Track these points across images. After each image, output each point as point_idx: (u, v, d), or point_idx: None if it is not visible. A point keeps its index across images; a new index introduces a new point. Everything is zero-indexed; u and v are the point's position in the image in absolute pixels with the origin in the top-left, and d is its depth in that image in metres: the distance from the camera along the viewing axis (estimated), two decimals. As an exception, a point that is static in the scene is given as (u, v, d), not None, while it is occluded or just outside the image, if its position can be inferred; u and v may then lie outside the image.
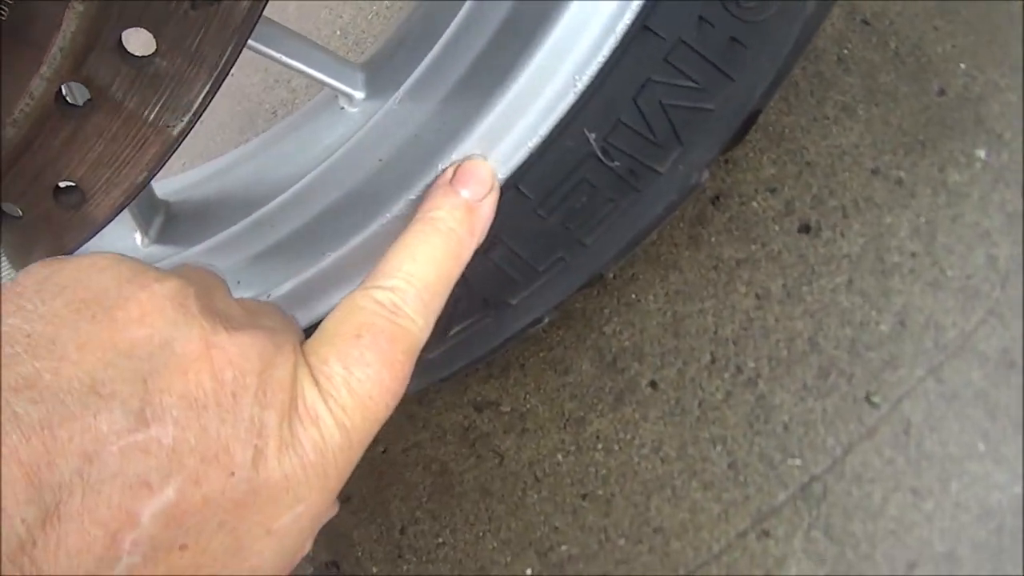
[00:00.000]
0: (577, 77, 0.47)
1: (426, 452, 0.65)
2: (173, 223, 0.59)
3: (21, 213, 0.43)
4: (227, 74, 0.39)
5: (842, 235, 0.63)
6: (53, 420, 0.27)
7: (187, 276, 0.35)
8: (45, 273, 0.32)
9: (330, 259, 0.52)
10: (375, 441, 0.67)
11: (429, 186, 0.46)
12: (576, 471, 0.61)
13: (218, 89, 0.39)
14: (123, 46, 0.37)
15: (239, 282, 0.55)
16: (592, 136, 0.49)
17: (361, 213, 0.52)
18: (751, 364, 0.61)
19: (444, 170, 0.46)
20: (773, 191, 0.64)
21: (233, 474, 0.29)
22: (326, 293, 0.53)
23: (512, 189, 0.50)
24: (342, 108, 0.55)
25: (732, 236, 0.63)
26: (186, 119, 0.39)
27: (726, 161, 0.64)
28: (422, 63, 0.51)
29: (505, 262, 0.52)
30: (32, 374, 0.28)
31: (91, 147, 0.40)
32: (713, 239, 0.63)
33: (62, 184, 0.42)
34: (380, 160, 0.50)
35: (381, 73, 0.54)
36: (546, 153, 0.49)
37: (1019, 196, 0.66)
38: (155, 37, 0.37)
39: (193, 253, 0.56)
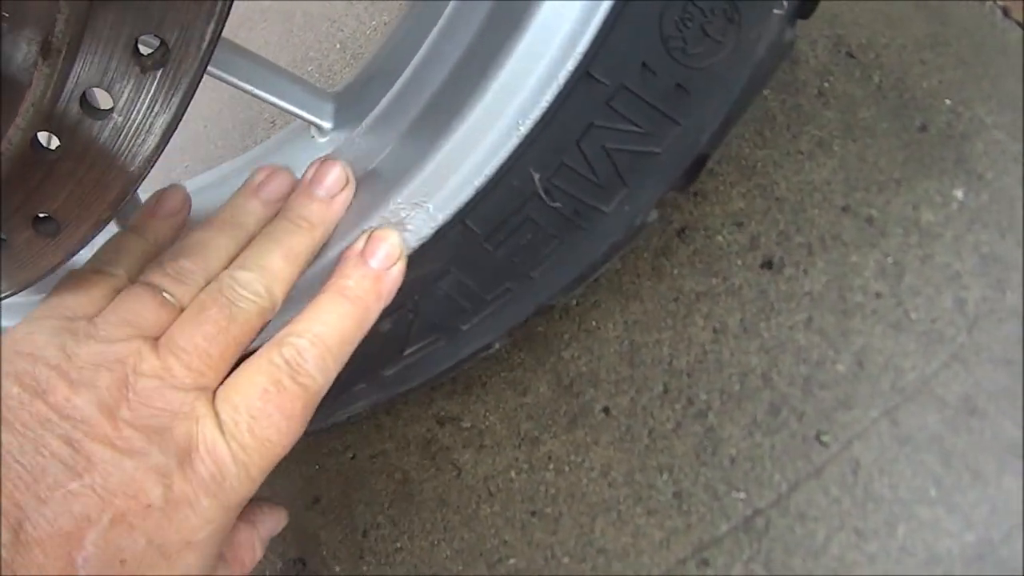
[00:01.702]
0: (521, 121, 0.51)
1: (391, 461, 0.70)
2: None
3: (5, 238, 0.50)
4: (179, 121, 0.44)
5: (805, 272, 0.65)
6: (11, 475, 0.38)
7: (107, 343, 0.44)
8: None
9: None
10: (344, 447, 0.73)
11: (344, 251, 0.52)
12: (528, 489, 0.65)
13: (171, 135, 0.44)
14: (87, 101, 0.43)
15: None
16: (536, 176, 0.53)
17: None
18: (703, 396, 0.64)
19: (356, 238, 0.52)
20: (740, 225, 0.67)
21: (149, 505, 0.40)
22: (284, 315, 0.59)
23: (460, 223, 0.54)
24: (312, 137, 0.60)
25: (695, 269, 0.66)
26: (143, 165, 0.45)
27: (695, 194, 0.67)
28: (383, 98, 0.56)
29: (454, 291, 0.57)
30: None
31: (63, 186, 0.46)
32: (676, 271, 0.66)
33: (40, 215, 0.48)
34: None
35: (349, 105, 0.59)
36: (492, 191, 0.53)
37: (997, 238, 0.67)
38: (112, 96, 0.42)
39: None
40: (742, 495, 0.63)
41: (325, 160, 0.53)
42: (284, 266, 0.50)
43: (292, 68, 0.94)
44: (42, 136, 0.45)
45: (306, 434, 0.59)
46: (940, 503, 0.63)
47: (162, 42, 0.40)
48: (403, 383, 0.61)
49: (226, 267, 0.50)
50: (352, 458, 0.72)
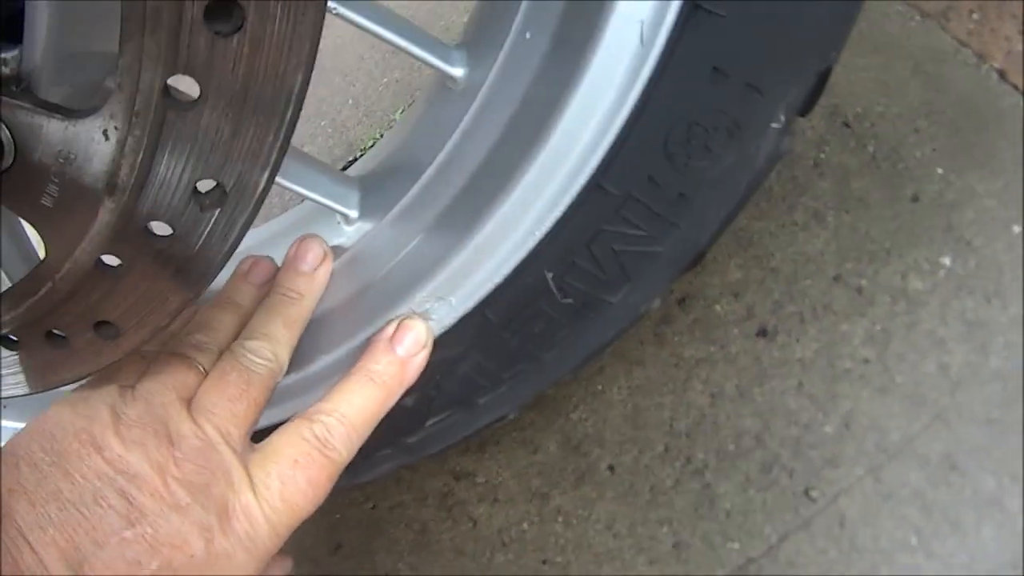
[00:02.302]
0: (538, 226, 0.57)
1: (409, 512, 0.77)
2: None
3: (65, 336, 0.56)
4: (234, 251, 0.50)
5: (797, 340, 0.72)
6: (72, 521, 0.45)
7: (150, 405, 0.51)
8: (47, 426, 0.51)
9: (320, 363, 0.64)
10: (365, 498, 0.80)
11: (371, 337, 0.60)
12: (539, 539, 0.73)
13: (227, 261, 0.51)
14: (149, 231, 0.49)
15: (247, 370, 0.67)
16: (550, 275, 0.59)
17: (349, 325, 0.63)
18: (700, 456, 0.71)
19: (386, 325, 0.59)
20: (736, 295, 0.73)
21: (193, 556, 0.46)
22: (317, 388, 0.65)
23: (479, 314, 0.61)
24: (339, 223, 0.66)
25: (694, 337, 0.73)
26: (200, 284, 0.51)
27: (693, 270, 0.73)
28: (408, 193, 0.62)
29: (473, 371, 0.63)
30: (56, 490, 0.46)
31: (124, 299, 0.52)
32: (676, 338, 0.73)
33: (102, 320, 0.54)
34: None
35: (373, 195, 0.65)
36: (509, 287, 0.59)
37: (982, 304, 0.73)
38: (171, 227, 0.48)
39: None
40: (736, 546, 0.70)
41: (304, 238, 0.62)
42: (285, 332, 0.58)
43: (305, 122, 0.99)
44: (106, 256, 0.51)
45: (332, 491, 0.66)
46: (920, 551, 0.70)
47: (219, 185, 0.46)
48: (424, 449, 0.67)
49: (234, 336, 0.57)
50: (372, 508, 0.79)
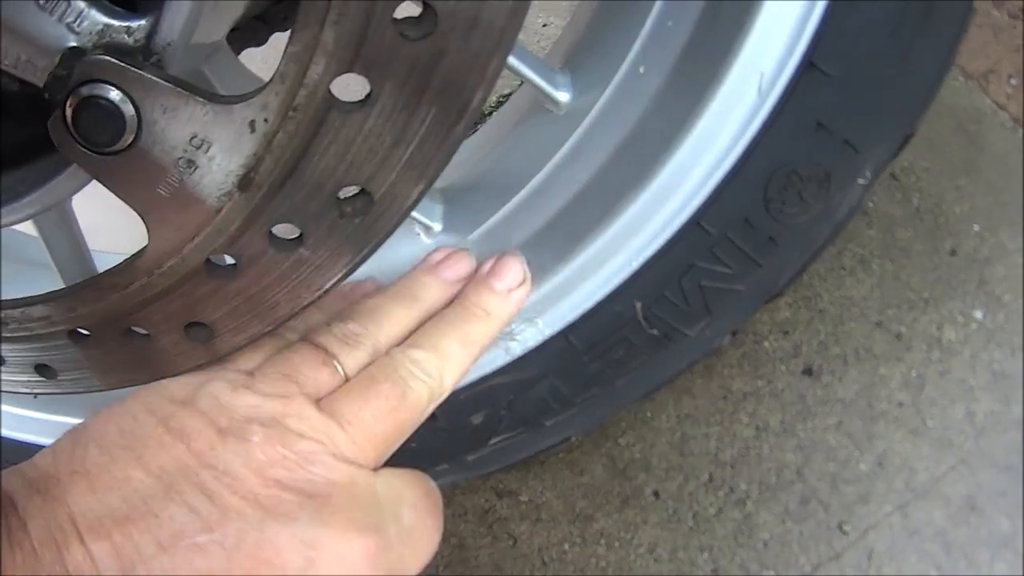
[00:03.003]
0: (634, 259, 0.58)
1: (447, 527, 0.76)
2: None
3: (148, 334, 0.53)
4: (363, 263, 0.49)
5: (840, 380, 0.75)
6: (136, 515, 0.37)
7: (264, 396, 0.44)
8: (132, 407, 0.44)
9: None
10: (403, 509, 0.78)
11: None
12: (579, 561, 0.73)
13: (352, 273, 0.49)
14: (273, 234, 0.47)
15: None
16: (639, 305, 0.60)
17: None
18: (743, 486, 0.73)
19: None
20: (785, 333, 0.76)
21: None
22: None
23: (564, 339, 0.61)
24: (417, 234, 0.65)
25: (743, 371, 0.75)
26: (316, 295, 0.50)
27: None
28: (497, 213, 0.62)
29: (548, 393, 0.64)
30: (124, 478, 0.38)
31: (227, 301, 0.50)
32: (726, 372, 0.75)
33: (195, 321, 0.52)
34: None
35: (458, 211, 0.64)
36: (597, 314, 0.60)
37: (1008, 356, 0.78)
38: (302, 231, 0.47)
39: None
40: (771, 574, 0.73)
41: (505, 255, 0.55)
42: (460, 351, 0.48)
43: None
44: (218, 256, 0.49)
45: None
46: (939, 587, 0.74)
47: (366, 192, 0.45)
48: (483, 467, 0.67)
49: (395, 341, 0.48)
50: (411, 520, 0.78)
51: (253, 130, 0.42)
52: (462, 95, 0.40)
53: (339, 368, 0.46)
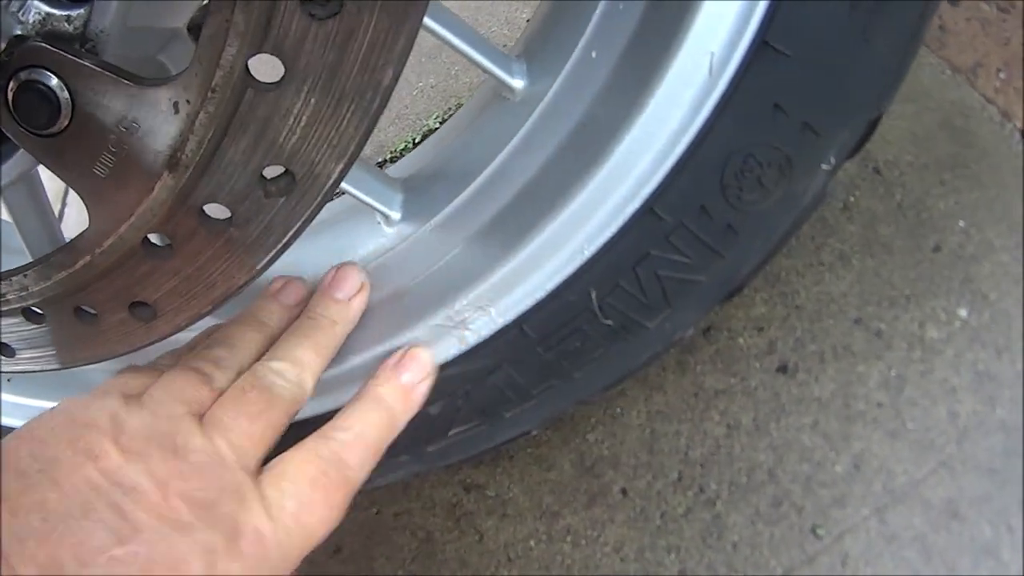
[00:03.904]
0: (587, 245, 0.57)
1: (415, 520, 0.75)
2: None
3: (96, 313, 0.53)
4: (292, 243, 0.48)
5: (816, 379, 0.72)
6: (56, 534, 0.40)
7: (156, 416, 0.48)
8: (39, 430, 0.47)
9: (351, 363, 0.62)
10: (370, 503, 0.78)
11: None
12: (545, 558, 0.71)
13: (283, 253, 0.49)
14: (204, 213, 0.47)
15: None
16: (593, 294, 0.58)
17: (385, 327, 0.62)
18: (713, 486, 0.70)
19: (392, 352, 0.59)
20: (760, 330, 0.73)
21: None
22: (347, 389, 0.63)
23: (517, 328, 0.60)
24: (378, 223, 0.64)
25: (716, 367, 0.72)
26: (250, 274, 0.49)
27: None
28: (454, 200, 0.61)
29: (504, 384, 0.62)
30: (41, 500, 0.41)
31: (166, 281, 0.50)
32: (698, 368, 0.73)
33: (139, 301, 0.52)
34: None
35: (417, 199, 0.63)
36: (551, 303, 0.58)
37: (994, 357, 0.74)
38: (231, 211, 0.47)
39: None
40: (741, 578, 0.70)
41: (343, 265, 0.60)
42: (313, 358, 0.55)
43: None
44: (153, 235, 0.49)
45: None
46: (918, 596, 0.70)
47: (288, 172, 0.45)
48: (444, 459, 0.66)
49: (256, 357, 0.54)
50: (377, 513, 0.77)
51: (177, 111, 0.42)
52: (375, 74, 0.40)
53: (214, 386, 0.51)
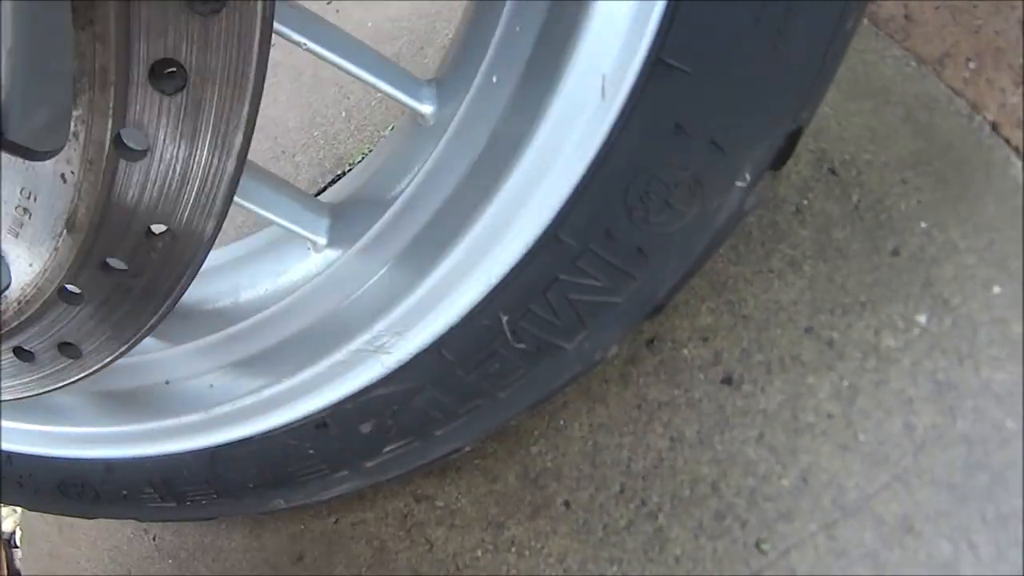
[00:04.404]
0: (492, 271, 0.59)
1: (370, 529, 0.79)
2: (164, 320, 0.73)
3: (31, 351, 0.59)
4: (187, 288, 0.52)
5: (762, 390, 0.72)
6: None
7: None
8: None
9: (282, 386, 0.66)
10: (329, 512, 0.83)
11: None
12: (491, 567, 0.74)
13: (181, 296, 0.53)
14: (107, 265, 0.51)
15: (211, 386, 0.70)
16: (504, 319, 0.60)
17: (310, 352, 0.65)
18: (655, 499, 0.72)
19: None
20: (705, 340, 0.74)
21: None
22: (281, 409, 0.67)
23: (436, 351, 0.62)
24: (308, 249, 0.68)
25: (659, 379, 0.73)
26: (153, 318, 0.53)
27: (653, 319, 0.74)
28: (376, 224, 0.63)
29: (429, 405, 0.65)
30: None
31: (84, 323, 0.55)
32: (641, 380, 0.74)
33: (65, 342, 0.57)
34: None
35: (342, 224, 0.66)
36: (464, 327, 0.61)
37: (955, 364, 0.73)
38: (126, 263, 0.51)
39: (179, 351, 0.71)
40: (684, 591, 0.71)
41: None
42: None
43: (299, 130, 1.01)
44: (67, 285, 0.54)
45: (291, 508, 0.69)
46: (869, 612, 0.71)
47: (169, 230, 0.49)
48: (383, 473, 0.69)
49: None
50: (335, 523, 0.82)
51: (65, 181, 0.46)
52: (227, 138, 0.43)
53: None
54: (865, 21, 0.83)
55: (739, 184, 0.57)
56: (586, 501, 0.73)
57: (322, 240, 0.65)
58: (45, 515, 1.04)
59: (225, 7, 0.37)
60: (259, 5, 0.37)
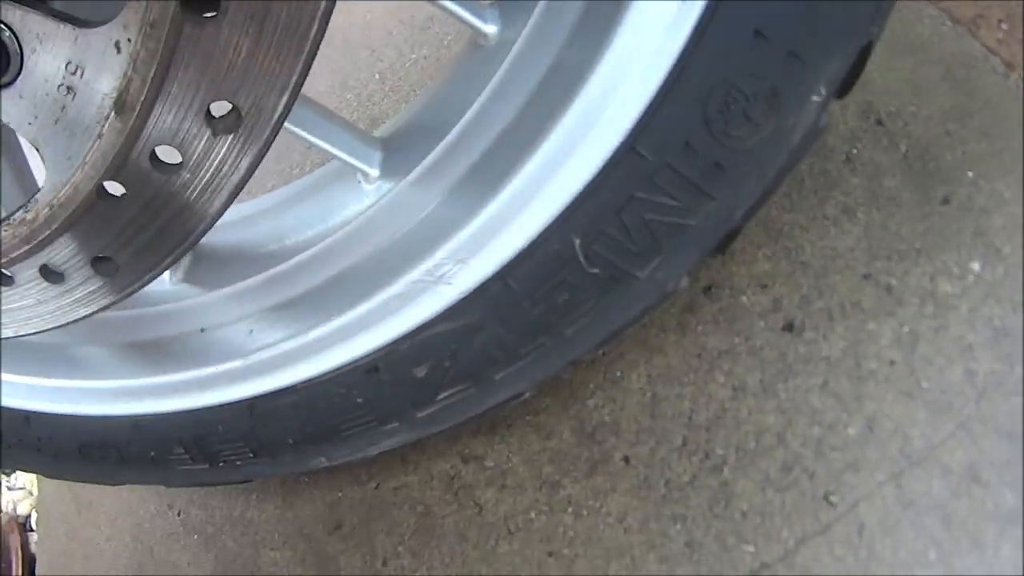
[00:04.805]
0: (565, 191, 0.51)
1: (413, 494, 0.70)
2: (198, 265, 0.65)
3: (61, 272, 0.50)
4: (247, 182, 0.44)
5: (824, 337, 0.65)
6: None
7: None
8: None
9: (333, 324, 0.57)
10: (369, 477, 0.73)
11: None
12: (546, 529, 0.65)
13: (238, 194, 0.44)
14: (156, 156, 0.43)
15: (251, 331, 0.61)
16: (577, 242, 0.53)
17: (365, 285, 0.57)
18: (719, 451, 0.64)
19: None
20: (764, 287, 0.66)
21: None
22: (328, 353, 0.58)
23: (501, 281, 0.54)
24: (359, 182, 0.59)
25: (718, 327, 0.66)
26: (207, 219, 0.45)
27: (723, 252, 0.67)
28: (431, 153, 0.56)
29: (491, 343, 0.57)
30: None
31: (124, 231, 0.46)
32: (700, 328, 0.66)
33: (100, 256, 0.48)
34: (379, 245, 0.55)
35: (395, 155, 0.59)
36: (534, 253, 0.53)
37: (1010, 312, 0.66)
38: (181, 154, 0.42)
39: (214, 296, 0.62)
40: (751, 548, 0.63)
41: None
42: None
43: (331, 94, 0.94)
44: (108, 183, 0.45)
45: (333, 467, 0.59)
46: (939, 565, 0.62)
47: (235, 108, 0.40)
48: (435, 425, 0.61)
49: None
50: (376, 488, 0.72)
51: (119, 51, 0.39)
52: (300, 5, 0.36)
53: None
54: (904, -22, 0.79)
55: (815, 99, 0.50)
56: (646, 456, 0.64)
57: (374, 171, 0.57)
58: (62, 495, 0.92)
59: None
60: None
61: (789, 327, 0.66)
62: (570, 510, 0.65)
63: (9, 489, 1.11)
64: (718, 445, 0.64)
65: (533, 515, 0.66)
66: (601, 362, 0.67)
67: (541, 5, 0.51)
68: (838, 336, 0.65)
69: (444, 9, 0.53)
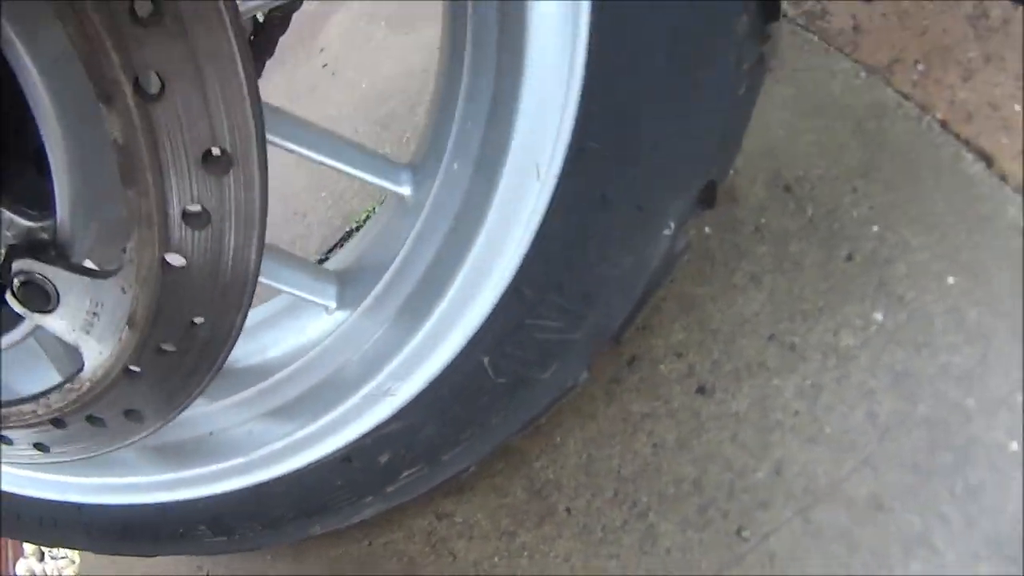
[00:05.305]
0: (471, 322, 0.81)
1: (399, 547, 1.02)
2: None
3: (102, 418, 0.83)
4: (224, 362, 0.75)
5: (732, 396, 0.92)
6: None
7: None
8: None
9: (302, 432, 0.89)
10: (363, 535, 1.06)
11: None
12: (507, 571, 0.97)
13: (221, 367, 0.76)
14: (160, 347, 0.74)
15: (250, 432, 0.93)
16: (486, 359, 0.82)
17: (334, 395, 0.88)
18: (644, 499, 0.93)
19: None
20: (679, 355, 0.94)
21: None
22: (311, 448, 0.90)
23: (433, 391, 0.84)
24: (322, 312, 0.90)
25: (640, 394, 0.94)
26: (195, 386, 0.77)
27: (643, 327, 0.95)
28: (374, 289, 0.86)
29: (434, 435, 0.88)
30: None
31: (144, 394, 0.78)
32: (625, 395, 0.95)
33: (129, 408, 0.81)
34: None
35: (348, 288, 0.89)
36: (455, 368, 0.83)
37: (912, 355, 0.92)
38: (175, 347, 0.74)
39: (218, 406, 0.95)
40: (678, 579, 0.92)
41: None
42: None
43: (307, 191, 1.24)
44: (131, 367, 0.77)
45: (325, 533, 0.92)
46: (848, 586, 0.90)
47: (207, 320, 0.71)
48: (402, 496, 0.93)
49: None
50: (368, 544, 1.05)
51: (124, 292, 0.70)
52: (244, 254, 0.65)
53: None
54: (815, 38, 1.02)
55: (666, 232, 0.76)
56: (584, 506, 0.94)
57: (332, 304, 0.87)
58: (103, 563, 1.30)
59: (232, 169, 0.58)
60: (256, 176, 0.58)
61: (701, 390, 0.93)
62: (525, 554, 0.96)
63: (53, 559, 1.50)
64: (643, 494, 0.93)
65: (496, 559, 0.97)
66: (544, 430, 0.97)
67: (440, 175, 0.80)
68: (745, 394, 0.93)
69: (363, 181, 0.82)
